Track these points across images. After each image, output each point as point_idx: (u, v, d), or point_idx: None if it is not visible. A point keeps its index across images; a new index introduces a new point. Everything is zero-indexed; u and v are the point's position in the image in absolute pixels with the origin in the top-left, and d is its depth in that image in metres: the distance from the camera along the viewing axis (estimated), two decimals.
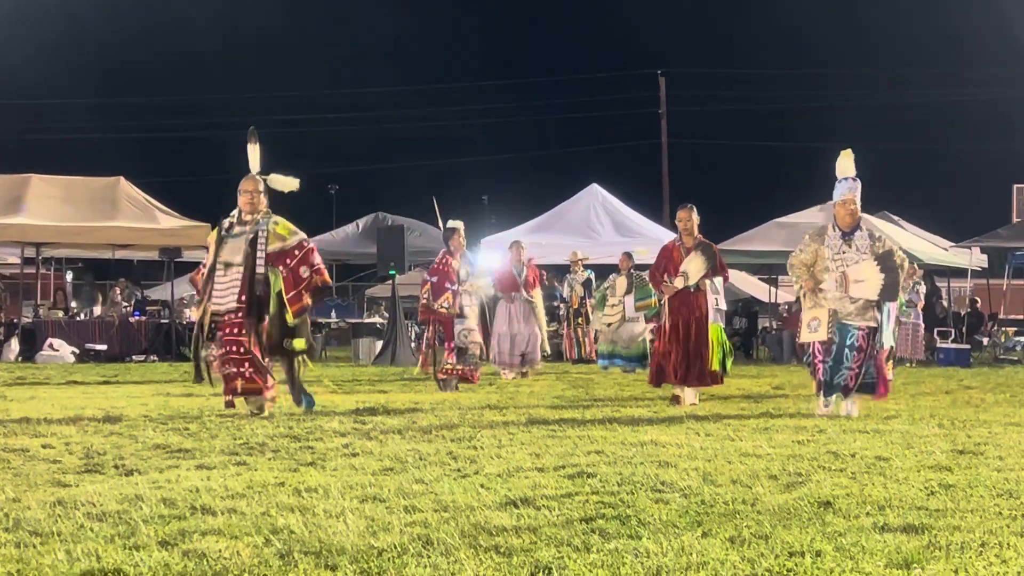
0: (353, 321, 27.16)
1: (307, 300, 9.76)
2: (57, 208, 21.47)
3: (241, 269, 9.63)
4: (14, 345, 20.67)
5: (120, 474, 6.23)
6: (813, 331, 9.80)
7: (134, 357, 20.42)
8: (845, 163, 10.02)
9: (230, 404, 9.65)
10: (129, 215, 21.65)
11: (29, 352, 20.41)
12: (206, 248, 10.09)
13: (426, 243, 24.31)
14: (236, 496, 5.44)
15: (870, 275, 9.67)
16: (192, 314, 10.29)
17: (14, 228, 20.96)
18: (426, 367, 13.54)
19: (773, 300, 27.49)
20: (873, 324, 9.77)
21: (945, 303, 25.84)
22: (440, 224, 13.75)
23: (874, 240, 9.88)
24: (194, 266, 11.09)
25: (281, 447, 7.34)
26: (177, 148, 60.57)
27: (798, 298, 10.87)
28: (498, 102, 68.25)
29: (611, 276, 17.60)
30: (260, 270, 9.60)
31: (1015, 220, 28.17)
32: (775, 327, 25.31)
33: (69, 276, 29.67)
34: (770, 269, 26.10)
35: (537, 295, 16.17)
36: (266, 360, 9.70)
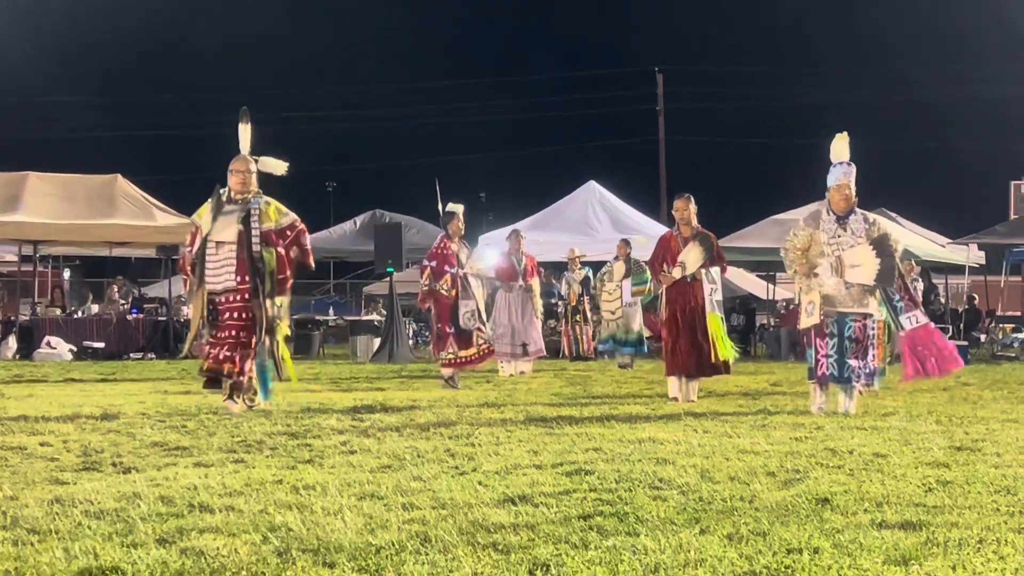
0: (351, 318, 27.17)
1: (291, 279, 9.86)
2: (54, 206, 21.46)
3: (234, 247, 9.63)
4: (11, 343, 20.67)
5: (118, 472, 6.23)
6: (810, 315, 9.78)
7: (132, 355, 20.44)
8: (840, 147, 9.99)
9: (211, 382, 9.69)
10: (126, 213, 21.64)
11: (27, 350, 20.42)
12: (194, 231, 9.98)
13: (423, 240, 24.27)
14: (234, 494, 5.44)
15: (866, 260, 9.64)
16: (189, 306, 10.21)
17: (11, 226, 20.95)
18: (436, 353, 13.49)
19: (771, 297, 27.50)
20: (869, 311, 9.76)
21: (942, 300, 25.83)
22: (440, 207, 13.74)
23: (869, 224, 9.86)
24: None
25: (279, 445, 7.34)
26: (174, 145, 60.58)
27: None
28: (496, 99, 68.20)
29: (609, 262, 17.66)
30: (256, 248, 9.61)
31: (1013, 216, 28.17)
32: (773, 324, 25.34)
33: (67, 274, 29.67)
34: (768, 266, 26.10)
35: (535, 283, 16.23)
36: (255, 340, 9.69)
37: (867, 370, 9.85)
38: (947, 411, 9.68)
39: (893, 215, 26.85)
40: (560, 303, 20.16)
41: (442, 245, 13.12)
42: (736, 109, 64.05)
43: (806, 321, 9.86)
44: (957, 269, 26.13)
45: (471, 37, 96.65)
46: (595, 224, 24.02)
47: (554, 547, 4.28)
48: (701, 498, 5.29)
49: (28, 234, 22.00)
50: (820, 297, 9.67)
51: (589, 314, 18.66)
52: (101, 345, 20.82)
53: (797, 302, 10.44)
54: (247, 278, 9.58)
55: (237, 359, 9.61)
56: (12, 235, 21.93)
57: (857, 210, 9.89)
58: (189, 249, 9.91)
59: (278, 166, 10.09)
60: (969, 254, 24.57)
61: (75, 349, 20.43)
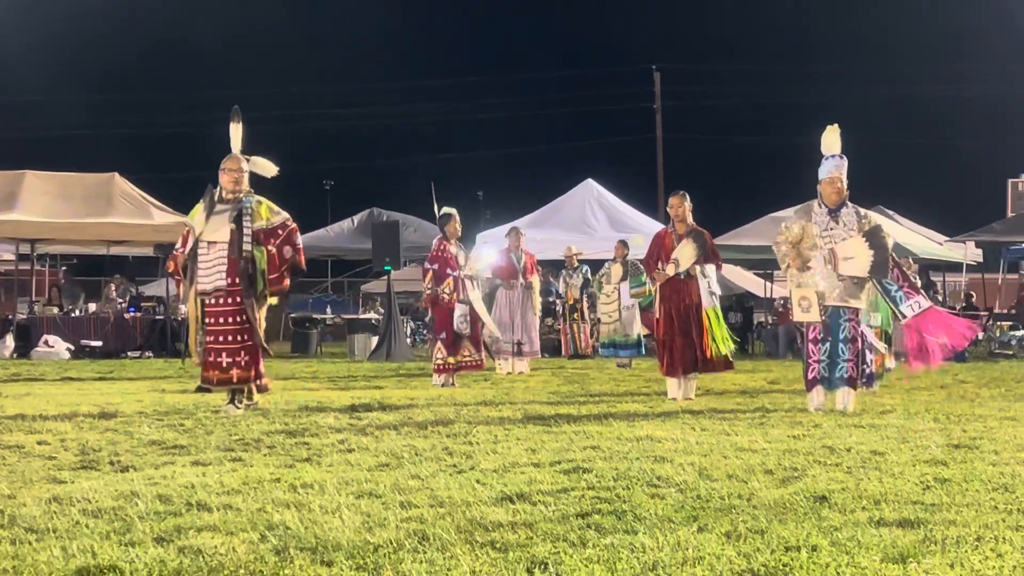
0: (348, 317, 27.17)
1: (286, 282, 9.82)
2: (52, 204, 21.44)
3: (226, 247, 9.60)
4: (9, 341, 20.66)
5: (115, 470, 6.23)
6: (805, 311, 9.74)
7: (129, 353, 20.44)
8: (831, 139, 9.97)
9: (205, 390, 9.68)
10: (124, 211, 21.62)
11: (24, 348, 20.42)
12: (186, 232, 9.91)
13: (421, 238, 24.28)
14: (232, 492, 5.44)
15: (859, 252, 9.62)
16: (184, 303, 10.14)
17: (8, 224, 20.94)
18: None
19: (768, 295, 27.50)
20: (860, 306, 9.75)
21: (940, 298, 25.83)
22: (436, 210, 13.76)
23: (860, 216, 9.84)
24: None
25: (277, 443, 7.34)
26: (172, 144, 60.56)
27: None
28: (493, 97, 68.20)
29: (607, 264, 17.65)
30: (247, 248, 9.58)
31: (1010, 214, 28.22)
32: (770, 322, 25.35)
33: (63, 273, 29.66)
34: (765, 264, 26.11)
35: (535, 281, 16.22)
36: (252, 342, 9.68)
37: (866, 373, 9.83)
38: (945, 409, 9.68)
39: (891, 213, 26.86)
40: (558, 301, 20.16)
41: (441, 248, 13.14)
42: (733, 107, 64.15)
43: (800, 316, 9.82)
44: (954, 267, 26.16)
45: (469, 36, 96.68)
46: (592, 222, 24.00)
47: (552, 545, 4.28)
48: (699, 496, 5.29)
49: (25, 233, 22.00)
50: (817, 296, 9.65)
51: (587, 312, 18.66)
52: (99, 344, 20.82)
53: (789, 297, 10.41)
54: (238, 279, 9.55)
55: (245, 363, 9.59)
56: (9, 234, 21.93)
57: (849, 203, 9.88)
58: (181, 250, 9.84)
59: (269, 167, 10.06)
60: (967, 252, 24.58)
61: (73, 348, 20.42)
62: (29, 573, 3.96)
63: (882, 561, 4.03)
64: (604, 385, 13.07)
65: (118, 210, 21.59)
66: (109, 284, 24.65)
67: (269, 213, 9.75)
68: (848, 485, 5.57)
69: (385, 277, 21.39)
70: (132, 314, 21.70)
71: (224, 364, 9.58)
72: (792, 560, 4.04)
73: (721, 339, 10.85)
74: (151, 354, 20.39)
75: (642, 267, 15.37)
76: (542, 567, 3.98)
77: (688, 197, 11.19)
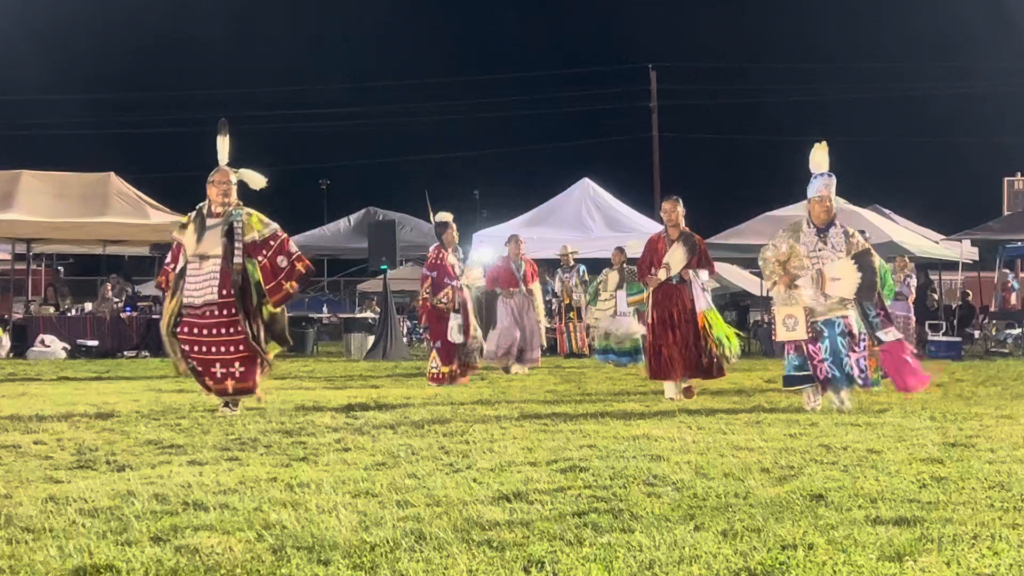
0: (345, 316, 27.19)
1: (288, 289, 9.74)
2: (48, 204, 21.44)
3: (219, 261, 9.56)
4: (5, 341, 20.65)
5: (112, 470, 6.22)
6: (791, 329, 9.74)
7: (125, 353, 20.41)
8: (820, 156, 9.96)
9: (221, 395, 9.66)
10: (120, 211, 21.62)
11: (20, 348, 20.39)
12: (176, 247, 9.84)
13: (417, 238, 24.33)
14: (228, 491, 5.44)
15: (847, 273, 9.63)
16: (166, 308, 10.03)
17: (5, 224, 20.94)
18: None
19: (765, 294, 27.49)
20: (851, 313, 9.75)
21: (936, 296, 25.87)
22: (431, 218, 13.76)
23: (848, 237, 9.85)
24: None
25: (273, 442, 7.34)
26: (168, 143, 60.56)
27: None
28: (489, 97, 68.22)
29: (604, 271, 17.63)
30: (238, 260, 9.55)
31: (1006, 212, 28.25)
32: (767, 321, 25.32)
33: (59, 272, 29.63)
34: (762, 272, 26.10)
35: (536, 288, 16.17)
36: (248, 353, 9.65)
37: (864, 373, 9.82)
38: (941, 407, 9.69)
39: (887, 211, 26.93)
40: (554, 300, 20.16)
41: (439, 255, 13.13)
42: (730, 106, 64.18)
43: (785, 335, 9.83)
44: (951, 265, 26.18)
45: (465, 35, 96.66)
46: (588, 222, 24.00)
47: (549, 544, 4.28)
48: (696, 495, 5.29)
49: (21, 232, 21.98)
50: (805, 312, 9.65)
51: (583, 311, 18.66)
52: (95, 343, 20.80)
53: (773, 315, 10.38)
54: (232, 291, 9.51)
55: (240, 374, 9.56)
56: (5, 233, 21.91)
57: (837, 223, 9.90)
58: (172, 266, 9.80)
59: (258, 180, 10.00)
60: (962, 250, 24.60)
61: (69, 347, 20.40)
62: (26, 573, 3.96)
63: (879, 559, 4.04)
64: (600, 384, 13.06)
65: (114, 210, 21.60)
66: (105, 284, 24.63)
67: (260, 225, 9.70)
68: (845, 483, 5.58)
69: (381, 276, 21.38)
70: (128, 313, 21.68)
71: (219, 375, 9.55)
72: (789, 558, 4.04)
73: (727, 337, 10.85)
74: (147, 354, 20.35)
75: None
76: (539, 566, 3.98)
77: (681, 202, 11.19)
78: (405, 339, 22.99)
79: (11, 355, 20.16)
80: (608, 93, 59.81)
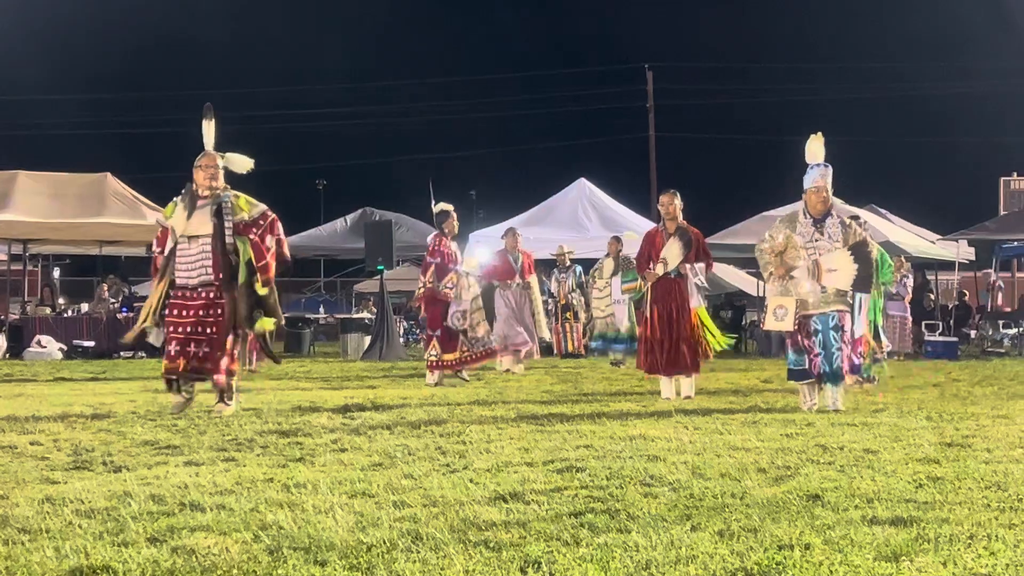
0: (341, 316, 27.17)
1: (272, 271, 9.76)
2: (44, 204, 21.44)
3: (209, 241, 9.56)
4: (1, 342, 20.63)
5: (108, 471, 6.21)
6: (780, 319, 9.73)
7: (122, 353, 20.39)
8: (815, 147, 9.94)
9: (169, 385, 9.63)
10: (116, 211, 21.62)
11: (17, 349, 20.39)
12: (161, 233, 9.85)
13: (414, 238, 24.33)
14: (225, 492, 5.43)
15: (843, 265, 9.61)
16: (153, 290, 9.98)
17: (1, 225, 20.92)
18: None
19: (761, 294, 27.50)
20: (845, 309, 9.74)
21: (932, 296, 25.90)
22: (433, 206, 13.74)
23: (845, 228, 9.83)
24: None
25: (270, 443, 7.33)
26: (164, 144, 60.47)
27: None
28: (486, 97, 68.23)
29: (600, 259, 17.65)
30: (229, 240, 9.56)
31: (1002, 212, 28.28)
32: (762, 320, 25.31)
33: (56, 273, 29.60)
34: (757, 263, 26.11)
35: (533, 280, 16.17)
36: (232, 338, 9.64)
37: (855, 361, 9.85)
38: (938, 407, 9.69)
39: (883, 211, 26.94)
40: (550, 301, 20.16)
41: (441, 243, 13.12)
42: (726, 105, 64.20)
43: (773, 324, 9.83)
44: (947, 265, 26.20)
45: (462, 35, 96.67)
46: (585, 222, 24.01)
47: (545, 544, 4.28)
48: (692, 495, 5.29)
49: (18, 233, 21.98)
50: (796, 304, 9.64)
51: (580, 311, 18.66)
52: (91, 344, 20.79)
53: (766, 303, 10.40)
54: (220, 275, 9.52)
55: (215, 357, 9.55)
56: (2, 234, 21.92)
57: (834, 213, 9.88)
58: (160, 250, 9.80)
59: (244, 163, 9.99)
60: (959, 250, 24.64)
61: (65, 348, 20.39)
62: (22, 574, 3.96)
63: (875, 559, 4.04)
64: (597, 384, 13.07)
65: (110, 210, 21.60)
66: (102, 284, 24.62)
67: (248, 206, 9.72)
68: (841, 483, 5.58)
69: (378, 277, 21.38)
70: (124, 314, 21.65)
71: (201, 354, 9.54)
72: (785, 559, 4.04)
73: (714, 334, 10.92)
74: (144, 354, 20.34)
75: (634, 262, 15.43)
76: (535, 566, 3.98)
77: (679, 195, 11.20)
78: (402, 339, 23.00)
79: (7, 356, 20.15)
80: (605, 93, 59.90)
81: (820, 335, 9.66)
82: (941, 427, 8.09)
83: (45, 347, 20.05)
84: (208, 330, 9.54)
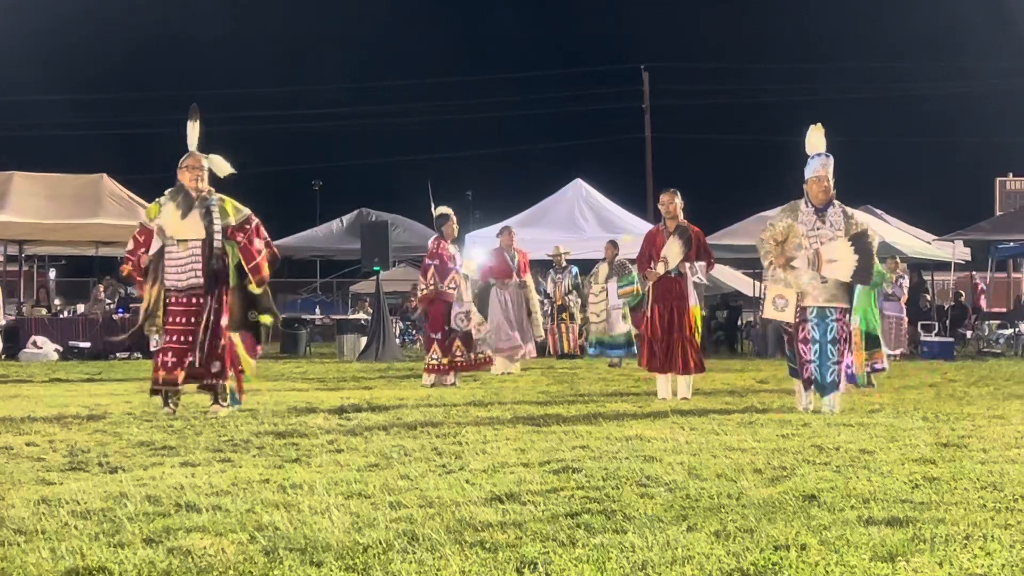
0: (337, 317, 27.14)
1: (266, 271, 9.76)
2: (40, 205, 21.43)
3: (199, 244, 9.55)
4: None
5: (104, 472, 6.21)
6: (780, 310, 9.70)
7: (118, 354, 20.38)
8: (816, 138, 9.92)
9: (156, 392, 9.61)
10: (112, 212, 21.61)
11: (12, 350, 20.35)
12: (140, 233, 9.77)
13: (410, 239, 24.30)
14: (221, 493, 5.43)
15: (843, 255, 9.57)
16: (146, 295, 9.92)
17: None
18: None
19: (758, 294, 27.53)
20: (845, 305, 9.73)
21: (928, 296, 25.91)
22: (432, 208, 13.73)
23: (847, 218, 9.80)
24: None
25: (266, 444, 7.33)
26: (160, 145, 60.44)
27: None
28: (482, 97, 68.30)
29: (597, 264, 17.65)
30: (217, 243, 9.56)
31: (998, 213, 28.31)
32: (760, 321, 25.35)
33: (52, 274, 29.56)
34: (754, 263, 26.12)
35: (529, 279, 16.15)
36: (222, 340, 9.63)
37: (849, 371, 9.84)
38: (933, 407, 9.70)
39: (879, 212, 26.94)
40: (546, 302, 20.15)
41: (440, 245, 13.11)
42: (722, 106, 64.27)
43: (772, 313, 9.79)
44: (943, 266, 26.23)
45: (458, 36, 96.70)
46: (581, 222, 23.98)
47: (542, 545, 4.28)
48: (688, 495, 5.29)
49: (13, 234, 21.96)
50: (796, 296, 9.62)
51: (576, 312, 18.64)
52: (87, 345, 20.77)
53: (765, 293, 10.39)
54: (205, 280, 9.51)
55: (210, 364, 9.55)
56: None
57: (835, 202, 9.85)
58: (143, 251, 9.71)
59: (224, 167, 9.97)
60: (955, 250, 24.66)
61: (61, 349, 20.37)
62: (18, 575, 3.95)
63: (871, 560, 4.04)
64: (593, 385, 13.07)
65: (106, 211, 21.59)
66: (98, 285, 24.60)
67: (234, 211, 9.73)
68: (837, 484, 5.58)
69: (374, 277, 21.37)
70: (120, 315, 21.64)
71: (195, 362, 9.54)
72: (781, 559, 4.04)
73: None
74: (139, 355, 20.32)
75: (630, 267, 15.45)
76: (531, 567, 3.98)
77: (679, 194, 11.20)
78: (398, 340, 22.98)
79: (3, 357, 20.12)
80: (601, 94, 60.00)
81: (817, 345, 9.63)
82: (937, 427, 8.10)
83: (41, 348, 20.03)
84: (202, 337, 9.53)
